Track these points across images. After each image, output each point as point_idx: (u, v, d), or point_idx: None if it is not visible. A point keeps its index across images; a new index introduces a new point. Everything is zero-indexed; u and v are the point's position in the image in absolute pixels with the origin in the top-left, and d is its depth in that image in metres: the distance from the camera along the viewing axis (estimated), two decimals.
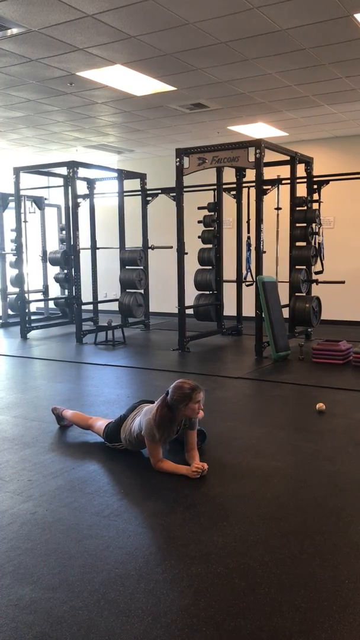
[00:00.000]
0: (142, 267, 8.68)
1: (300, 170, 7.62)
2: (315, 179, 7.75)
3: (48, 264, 9.95)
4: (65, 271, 9.59)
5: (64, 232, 9.72)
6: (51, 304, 10.58)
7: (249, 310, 7.84)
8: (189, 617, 1.98)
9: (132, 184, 9.31)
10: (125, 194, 8.94)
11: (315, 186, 7.73)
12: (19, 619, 1.99)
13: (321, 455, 3.54)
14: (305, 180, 7.74)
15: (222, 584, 2.17)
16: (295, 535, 2.54)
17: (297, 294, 7.43)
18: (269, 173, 7.09)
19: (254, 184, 6.85)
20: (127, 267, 8.62)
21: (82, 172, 8.36)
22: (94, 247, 9.57)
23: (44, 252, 10.01)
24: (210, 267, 8.22)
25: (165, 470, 3.27)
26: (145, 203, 9.11)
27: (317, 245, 7.51)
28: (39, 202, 9.82)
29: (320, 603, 2.04)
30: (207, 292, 8.30)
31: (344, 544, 2.46)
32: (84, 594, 2.12)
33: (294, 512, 2.78)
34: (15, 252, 8.91)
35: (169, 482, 3.16)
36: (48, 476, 3.25)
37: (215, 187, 8.28)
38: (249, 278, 7.90)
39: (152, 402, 3.50)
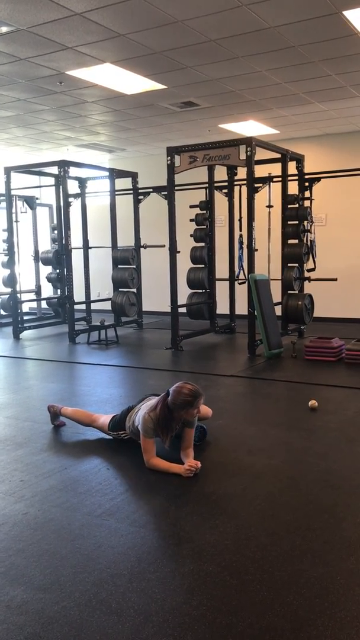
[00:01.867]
0: (134, 266, 8.67)
1: (292, 167, 7.63)
2: (306, 177, 7.77)
3: (40, 263, 9.92)
4: (58, 271, 9.57)
5: (55, 231, 9.69)
6: (44, 304, 10.55)
7: (241, 308, 7.84)
8: (181, 616, 1.97)
9: (124, 183, 9.29)
10: (117, 193, 8.92)
11: (306, 184, 7.74)
12: (10, 620, 1.98)
13: (313, 452, 3.55)
14: (296, 177, 7.76)
15: (214, 582, 2.17)
16: (287, 533, 2.54)
17: (289, 292, 7.44)
18: (260, 171, 7.09)
19: (245, 182, 6.85)
20: (119, 266, 8.61)
21: (73, 171, 8.33)
22: (86, 247, 9.55)
23: (36, 251, 9.98)
24: (203, 266, 8.22)
25: (158, 468, 3.27)
26: (137, 202, 9.09)
27: (309, 243, 7.53)
28: (31, 202, 9.79)
29: (311, 600, 2.05)
30: (200, 291, 8.30)
31: (336, 540, 2.46)
32: (75, 594, 2.11)
33: (286, 509, 2.78)
34: (6, 252, 8.88)
35: (161, 481, 3.16)
36: (40, 476, 3.24)
37: (206, 185, 8.28)
38: (241, 276, 7.90)
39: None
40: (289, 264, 7.46)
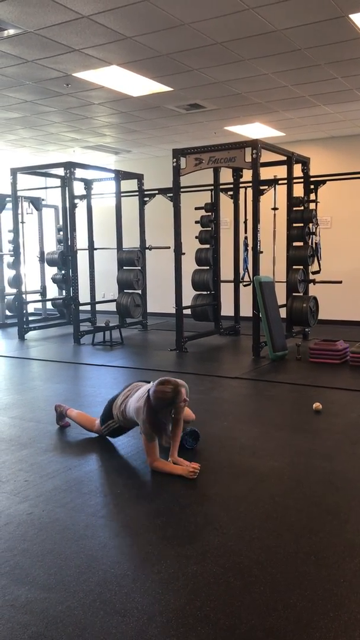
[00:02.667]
0: (139, 268, 8.68)
1: (297, 170, 7.64)
2: (312, 179, 7.76)
3: (46, 264, 9.96)
4: (63, 272, 9.60)
5: (61, 232, 9.73)
6: (49, 305, 10.58)
7: (246, 310, 7.84)
8: (185, 617, 1.98)
9: (130, 185, 9.31)
10: (122, 194, 8.95)
11: (312, 186, 7.74)
12: (14, 620, 1.99)
13: (317, 455, 3.55)
14: (302, 180, 7.76)
15: (217, 584, 2.18)
16: (290, 534, 2.55)
17: (294, 294, 7.44)
18: (266, 173, 7.10)
19: (251, 184, 6.86)
20: (124, 267, 8.62)
21: (79, 172, 8.36)
22: (91, 248, 9.57)
23: (42, 252, 10.01)
24: (208, 268, 8.23)
25: (161, 470, 3.28)
26: (142, 203, 9.11)
27: (314, 245, 7.52)
28: (37, 203, 9.82)
29: (314, 602, 2.05)
30: (205, 293, 8.31)
31: (340, 542, 2.46)
32: (79, 594, 2.13)
33: (289, 511, 2.78)
34: (12, 253, 8.91)
35: (165, 482, 3.16)
36: (45, 477, 3.25)
37: (212, 187, 8.29)
38: (246, 278, 7.90)
39: (146, 382, 3.61)
40: (294, 267, 7.46)
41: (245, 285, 7.99)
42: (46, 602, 2.08)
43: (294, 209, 7.44)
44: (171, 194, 7.56)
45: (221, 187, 8.34)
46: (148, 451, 3.34)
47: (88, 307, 9.60)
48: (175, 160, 7.15)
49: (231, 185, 8.37)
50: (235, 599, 2.08)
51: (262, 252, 6.74)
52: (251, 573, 2.24)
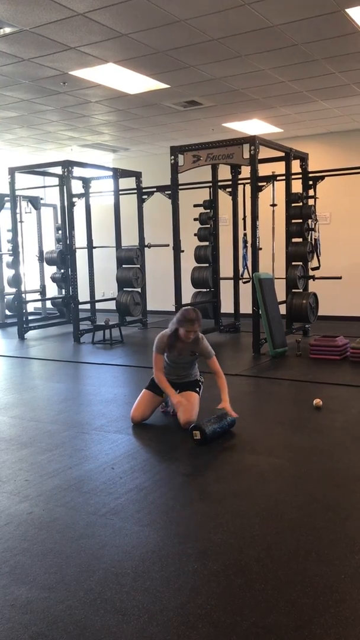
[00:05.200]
0: (138, 266, 8.68)
1: (296, 166, 7.62)
2: (310, 175, 7.75)
3: (45, 263, 9.95)
4: (62, 271, 9.58)
5: (60, 231, 9.71)
6: (48, 304, 10.57)
7: (246, 307, 7.83)
8: (185, 615, 1.98)
9: (128, 183, 9.30)
10: (120, 192, 8.94)
11: (310, 182, 7.72)
12: (15, 619, 1.99)
13: (318, 451, 3.55)
14: (300, 176, 7.74)
15: (218, 581, 2.17)
16: (291, 531, 2.54)
17: (294, 290, 7.43)
18: (264, 169, 7.08)
19: (249, 180, 6.85)
20: (123, 265, 8.61)
21: (77, 171, 8.35)
22: (90, 246, 9.56)
23: (41, 252, 10.00)
24: (207, 265, 8.21)
25: (159, 382, 4.04)
26: (141, 201, 9.10)
27: (313, 242, 7.51)
28: (35, 202, 9.81)
29: (316, 599, 2.04)
30: (204, 290, 8.30)
31: (340, 539, 2.46)
32: (80, 593, 2.12)
33: (290, 508, 2.78)
34: (11, 252, 8.90)
35: (166, 480, 3.16)
36: (45, 476, 3.25)
37: (210, 184, 8.27)
38: (245, 275, 7.90)
39: None
40: (293, 263, 7.44)
41: (244, 282, 7.98)
42: (47, 602, 2.08)
43: (293, 205, 7.43)
44: (169, 192, 7.55)
45: (219, 184, 8.32)
46: (154, 362, 4.07)
47: (88, 306, 9.59)
48: (173, 157, 7.14)
49: (229, 182, 8.36)
50: (236, 596, 2.08)
51: (261, 248, 6.72)
52: (252, 570, 2.24)
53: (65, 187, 8.27)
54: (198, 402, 4.15)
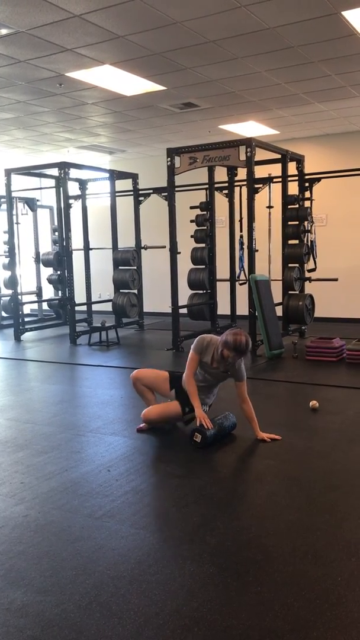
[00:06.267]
0: (135, 267, 8.67)
1: (292, 168, 7.62)
2: (306, 177, 7.76)
3: (41, 265, 9.92)
4: (59, 272, 9.56)
5: (56, 233, 9.69)
6: (45, 306, 10.55)
7: (242, 308, 7.84)
8: (181, 618, 1.97)
9: (124, 184, 9.30)
10: (117, 194, 8.93)
11: (306, 184, 7.73)
12: (10, 623, 1.97)
13: (314, 453, 3.54)
14: (296, 178, 7.75)
15: (214, 584, 2.17)
16: (287, 533, 2.54)
17: (290, 292, 7.44)
18: (261, 171, 7.09)
19: (245, 182, 6.85)
20: (120, 267, 8.61)
21: (73, 173, 8.34)
22: (86, 248, 9.55)
23: (37, 253, 9.98)
24: (204, 266, 8.21)
25: (188, 387, 3.82)
26: (137, 203, 9.09)
27: (309, 243, 7.52)
28: (31, 204, 9.78)
29: (312, 601, 2.04)
30: (201, 292, 8.29)
31: (337, 541, 2.46)
32: (75, 597, 2.11)
33: (286, 510, 2.78)
34: (7, 254, 8.88)
35: (162, 483, 3.15)
36: (41, 478, 3.24)
37: (207, 186, 8.28)
38: (242, 277, 7.90)
39: None
40: (290, 265, 7.45)
41: (241, 284, 7.98)
42: (42, 605, 2.07)
43: (289, 207, 7.44)
44: (166, 193, 7.54)
45: (216, 185, 8.32)
46: (188, 363, 3.83)
47: (84, 308, 9.58)
48: (169, 159, 7.14)
49: (226, 184, 8.36)
50: (232, 599, 2.07)
51: (257, 250, 6.72)
52: (248, 573, 2.23)
53: (62, 188, 8.26)
54: (178, 413, 3.97)
